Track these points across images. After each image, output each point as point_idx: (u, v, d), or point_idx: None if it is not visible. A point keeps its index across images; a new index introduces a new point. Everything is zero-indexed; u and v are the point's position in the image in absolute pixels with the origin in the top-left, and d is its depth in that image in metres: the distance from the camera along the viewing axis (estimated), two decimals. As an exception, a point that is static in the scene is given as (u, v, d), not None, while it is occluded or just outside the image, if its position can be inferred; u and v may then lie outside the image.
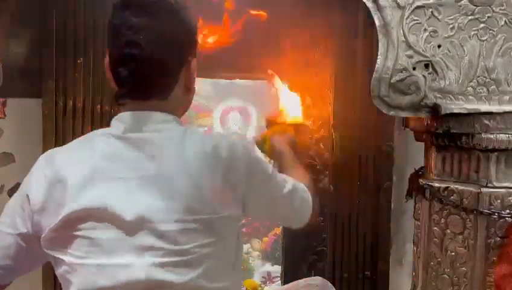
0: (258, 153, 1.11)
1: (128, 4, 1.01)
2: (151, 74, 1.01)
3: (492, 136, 1.37)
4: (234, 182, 1.02)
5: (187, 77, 1.08)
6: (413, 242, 1.60)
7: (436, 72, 1.40)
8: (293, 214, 1.22)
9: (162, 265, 0.96)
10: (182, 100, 1.11)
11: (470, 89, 1.41)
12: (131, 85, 1.00)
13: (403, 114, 1.44)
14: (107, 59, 1.05)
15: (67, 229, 0.98)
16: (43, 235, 1.01)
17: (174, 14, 1.04)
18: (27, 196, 1.03)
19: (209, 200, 0.99)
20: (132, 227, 0.97)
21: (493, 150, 1.38)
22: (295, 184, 1.20)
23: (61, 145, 1.12)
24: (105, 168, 0.99)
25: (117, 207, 0.97)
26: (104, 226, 0.97)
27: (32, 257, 1.07)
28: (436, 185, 1.45)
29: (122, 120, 1.05)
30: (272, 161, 1.54)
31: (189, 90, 1.11)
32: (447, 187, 1.43)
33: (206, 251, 0.99)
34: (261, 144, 1.56)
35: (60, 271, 1.02)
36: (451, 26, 1.40)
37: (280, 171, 1.25)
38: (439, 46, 1.40)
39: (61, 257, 0.99)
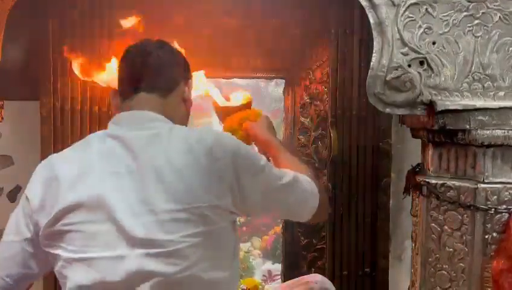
0: (245, 145, 1.13)
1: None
2: (156, 69, 1.17)
3: (488, 132, 1.37)
4: (219, 172, 1.04)
5: (185, 90, 1.22)
6: (412, 239, 1.61)
7: (431, 69, 1.41)
8: (296, 207, 1.20)
9: (153, 256, 0.99)
10: (180, 108, 1.22)
11: (465, 85, 1.41)
12: (137, 76, 1.15)
13: (399, 111, 1.44)
14: (113, 91, 1.20)
15: (61, 224, 1.02)
16: (40, 233, 1.05)
17: (172, 48, 1.26)
18: (26, 197, 1.08)
19: (196, 191, 1.02)
20: (123, 219, 1.00)
21: (489, 146, 1.38)
22: (296, 175, 1.19)
23: (60, 147, 1.17)
24: (97, 164, 1.05)
25: (108, 200, 1.01)
26: (96, 219, 1.01)
27: (41, 260, 1.10)
28: (433, 181, 1.45)
29: (116, 122, 1.13)
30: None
31: (186, 101, 1.23)
32: (444, 183, 1.43)
33: (197, 241, 1.01)
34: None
35: (56, 268, 1.05)
36: (445, 22, 1.40)
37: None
38: (434, 43, 1.40)
39: (57, 252, 1.03)
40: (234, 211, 1.07)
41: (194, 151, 1.04)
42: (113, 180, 1.02)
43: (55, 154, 1.14)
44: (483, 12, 1.40)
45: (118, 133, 1.08)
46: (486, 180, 1.39)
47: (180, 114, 1.22)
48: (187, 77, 1.25)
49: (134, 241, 0.99)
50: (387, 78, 1.40)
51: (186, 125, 1.23)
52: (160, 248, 0.99)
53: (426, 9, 1.40)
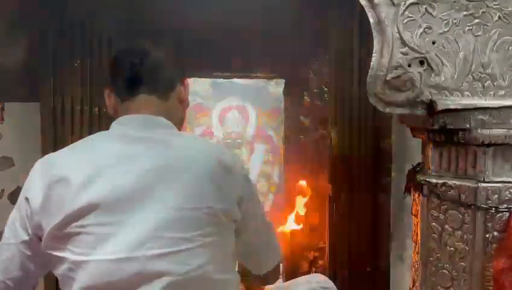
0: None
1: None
2: (155, 70, 1.16)
3: (488, 131, 1.37)
4: (231, 182, 1.08)
5: (181, 90, 1.21)
6: (412, 238, 1.61)
7: (431, 68, 1.41)
8: (265, 249, 1.29)
9: (165, 255, 0.99)
10: (177, 109, 1.21)
11: (465, 84, 1.41)
12: (136, 77, 1.14)
13: (399, 111, 1.44)
14: (107, 91, 1.18)
15: (72, 226, 1.00)
16: (44, 235, 1.02)
17: (164, 48, 1.24)
18: (26, 198, 1.05)
19: (209, 192, 1.04)
20: (135, 219, 0.99)
21: (490, 145, 1.38)
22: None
23: (61, 147, 1.15)
24: (108, 165, 1.03)
25: (124, 199, 1.00)
26: (110, 220, 1.00)
27: (40, 262, 1.09)
28: (434, 181, 1.45)
29: (121, 123, 1.12)
30: None
31: (183, 102, 1.23)
32: (445, 183, 1.43)
33: (208, 240, 1.02)
34: None
35: (60, 271, 1.03)
36: (445, 22, 1.40)
37: None
38: (433, 43, 1.40)
39: (63, 255, 1.01)
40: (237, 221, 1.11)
41: (209, 158, 1.08)
42: (124, 180, 1.01)
43: (54, 154, 1.12)
44: (483, 12, 1.40)
45: (128, 133, 1.08)
46: (486, 180, 1.39)
47: (179, 115, 1.23)
48: (182, 77, 1.25)
49: (146, 241, 0.99)
50: (388, 78, 1.40)
51: (183, 126, 1.26)
52: (172, 247, 0.99)
53: (426, 8, 1.40)
